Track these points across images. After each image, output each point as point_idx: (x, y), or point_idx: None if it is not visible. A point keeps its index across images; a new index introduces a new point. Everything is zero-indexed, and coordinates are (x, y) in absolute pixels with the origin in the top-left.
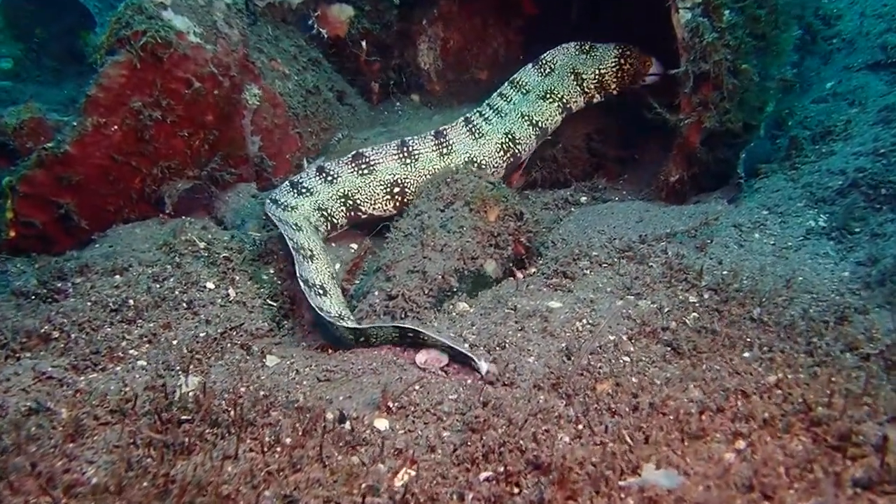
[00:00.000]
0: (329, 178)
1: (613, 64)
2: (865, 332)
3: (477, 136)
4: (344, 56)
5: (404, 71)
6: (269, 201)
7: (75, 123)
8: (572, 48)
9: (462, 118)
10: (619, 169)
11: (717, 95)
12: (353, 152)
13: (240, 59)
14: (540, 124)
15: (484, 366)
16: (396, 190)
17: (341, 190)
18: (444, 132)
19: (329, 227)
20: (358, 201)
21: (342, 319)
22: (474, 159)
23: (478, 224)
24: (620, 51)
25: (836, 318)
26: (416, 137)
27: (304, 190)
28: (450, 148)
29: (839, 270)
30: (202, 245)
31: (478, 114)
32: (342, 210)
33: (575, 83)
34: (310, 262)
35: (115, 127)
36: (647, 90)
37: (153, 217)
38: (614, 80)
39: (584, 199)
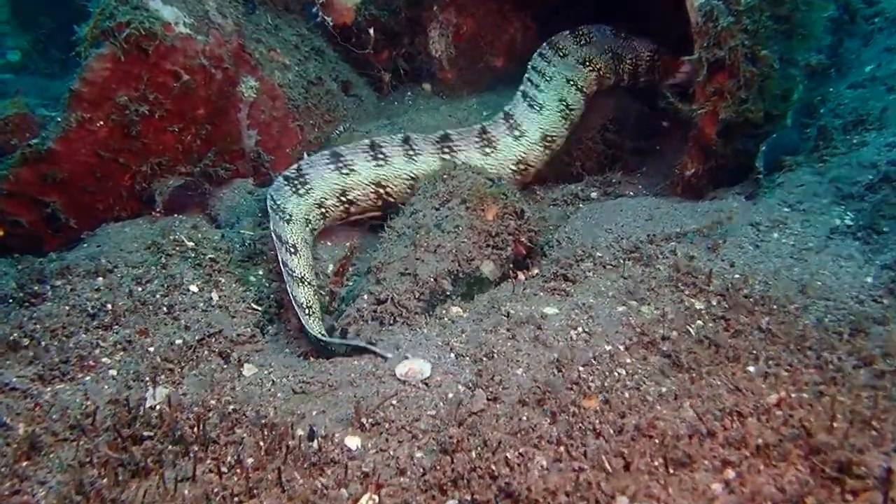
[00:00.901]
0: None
1: (648, 58)
2: (882, 346)
3: (538, 108)
4: (351, 45)
5: (415, 59)
6: None
7: (59, 119)
8: (608, 31)
9: (519, 93)
10: (638, 161)
11: (734, 84)
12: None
13: (234, 50)
14: (584, 90)
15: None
16: None
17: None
18: (510, 112)
19: None
20: None
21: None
22: (546, 134)
23: (474, 223)
24: (657, 47)
25: (852, 330)
26: (490, 124)
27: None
28: (521, 130)
29: (862, 275)
30: (190, 245)
31: (529, 82)
32: None
33: (613, 60)
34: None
35: (101, 122)
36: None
37: (145, 215)
38: (645, 73)
39: (595, 194)
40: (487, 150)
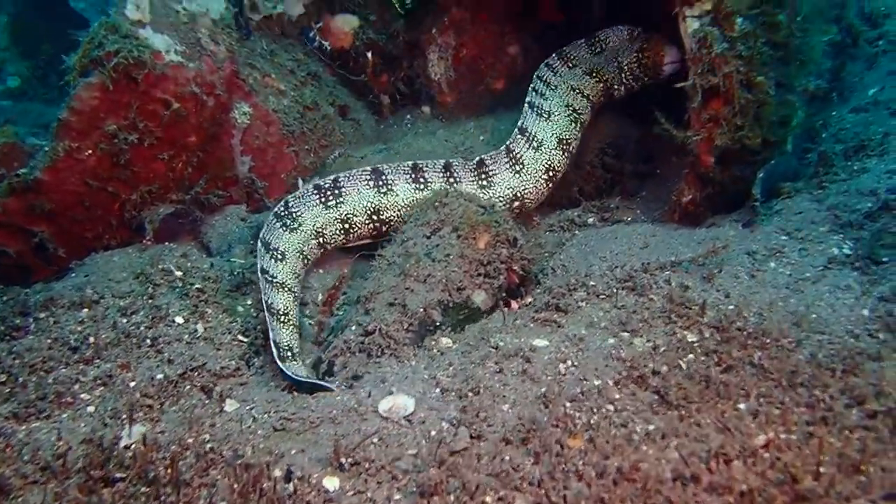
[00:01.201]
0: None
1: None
2: (875, 385)
3: (545, 117)
4: (349, 69)
5: (414, 83)
6: None
7: (47, 149)
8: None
9: (526, 103)
10: (637, 185)
11: (729, 110)
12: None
13: (227, 77)
14: (591, 98)
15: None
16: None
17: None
18: (524, 127)
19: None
20: None
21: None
22: (562, 139)
23: (465, 252)
24: (641, 44)
25: (845, 366)
26: (512, 142)
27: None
28: (539, 142)
29: (859, 307)
30: (179, 274)
31: (534, 92)
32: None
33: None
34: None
35: (89, 151)
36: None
37: (135, 243)
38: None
39: (592, 219)
40: (517, 167)
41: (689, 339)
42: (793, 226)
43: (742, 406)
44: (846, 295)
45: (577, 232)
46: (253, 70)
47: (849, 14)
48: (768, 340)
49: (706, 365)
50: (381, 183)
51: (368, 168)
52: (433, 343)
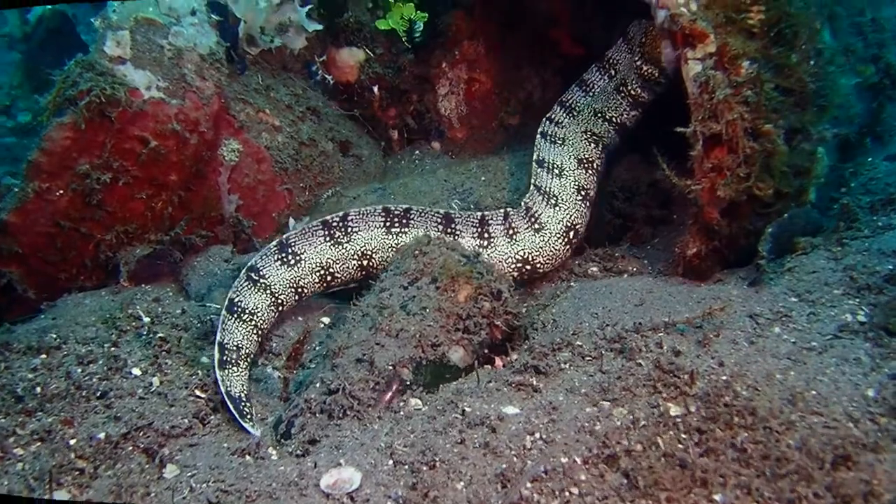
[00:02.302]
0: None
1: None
2: (867, 483)
3: (560, 143)
4: (354, 103)
5: (423, 117)
6: None
7: (17, 190)
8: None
9: (539, 133)
10: (651, 232)
11: (733, 160)
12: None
13: (214, 113)
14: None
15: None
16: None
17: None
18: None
19: None
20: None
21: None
22: (582, 159)
23: (443, 305)
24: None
25: (836, 457)
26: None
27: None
28: (560, 169)
29: (865, 385)
30: (147, 321)
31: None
32: None
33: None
34: None
35: (60, 192)
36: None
37: (110, 285)
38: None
39: (594, 269)
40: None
41: (672, 413)
42: (804, 287)
43: (718, 497)
44: (854, 369)
45: (573, 284)
46: (246, 105)
47: (888, 53)
48: (755, 420)
49: (685, 446)
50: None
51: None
52: (402, 404)
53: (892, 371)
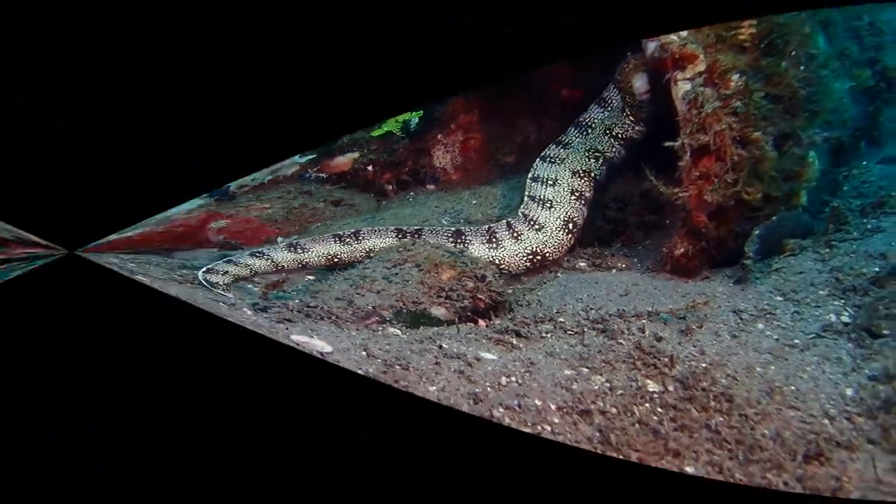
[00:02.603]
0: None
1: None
2: (837, 480)
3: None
4: (347, 181)
5: (419, 172)
6: None
7: None
8: None
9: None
10: (642, 234)
11: (721, 167)
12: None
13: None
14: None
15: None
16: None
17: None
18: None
19: None
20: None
21: None
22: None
23: (426, 279)
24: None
25: (809, 452)
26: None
27: None
28: (554, 180)
29: (845, 384)
30: None
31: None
32: None
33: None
34: None
35: None
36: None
37: None
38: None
39: (583, 264)
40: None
41: (650, 389)
42: (790, 286)
43: (689, 469)
44: (834, 368)
45: (559, 275)
46: (236, 207)
47: (885, 56)
48: (731, 407)
49: (660, 419)
50: None
51: None
52: (381, 328)
53: (872, 372)
